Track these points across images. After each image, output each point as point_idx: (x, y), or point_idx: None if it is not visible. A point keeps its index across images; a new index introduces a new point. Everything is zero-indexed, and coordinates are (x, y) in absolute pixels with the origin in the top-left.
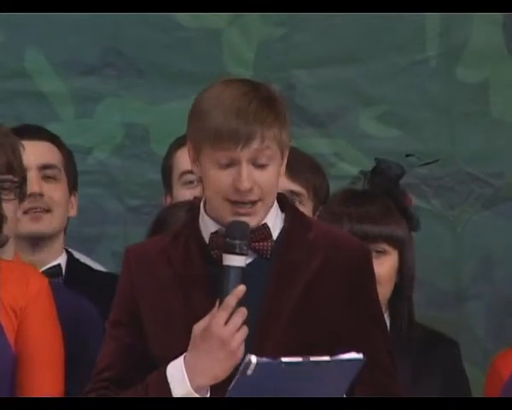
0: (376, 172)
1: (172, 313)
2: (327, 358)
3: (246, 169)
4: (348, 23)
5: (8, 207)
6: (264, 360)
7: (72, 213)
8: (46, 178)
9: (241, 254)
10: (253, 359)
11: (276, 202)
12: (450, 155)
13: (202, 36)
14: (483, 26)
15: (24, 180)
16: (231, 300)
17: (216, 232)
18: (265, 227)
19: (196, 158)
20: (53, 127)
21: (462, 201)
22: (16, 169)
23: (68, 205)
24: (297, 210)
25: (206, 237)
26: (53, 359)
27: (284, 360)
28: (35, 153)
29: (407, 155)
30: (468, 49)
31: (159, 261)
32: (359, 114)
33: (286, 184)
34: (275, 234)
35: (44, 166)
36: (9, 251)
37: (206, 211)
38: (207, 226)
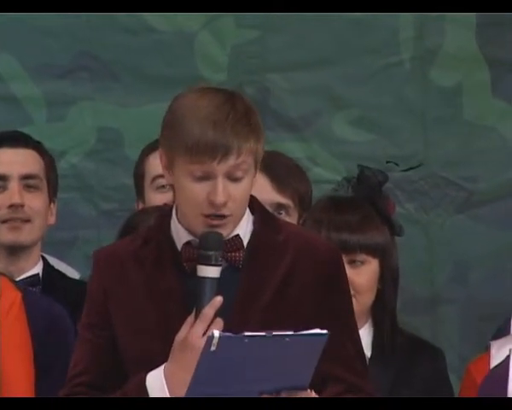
0: (360, 179)
1: (145, 320)
2: (290, 332)
3: (221, 183)
4: (322, 27)
5: None
6: (227, 334)
7: (51, 220)
8: (27, 187)
9: (216, 265)
10: (216, 333)
11: (247, 210)
12: (423, 159)
13: (176, 39)
14: (456, 30)
15: None
16: (209, 311)
17: (188, 243)
18: (238, 238)
19: (169, 166)
20: (26, 131)
21: (435, 205)
22: None
23: (48, 213)
24: (266, 212)
25: (179, 245)
26: (23, 374)
27: (247, 334)
28: (18, 162)
29: (387, 162)
30: (442, 53)
31: (130, 265)
32: (333, 118)
33: (274, 197)
34: (245, 239)
35: (26, 176)
36: None
37: (178, 218)
38: (179, 235)
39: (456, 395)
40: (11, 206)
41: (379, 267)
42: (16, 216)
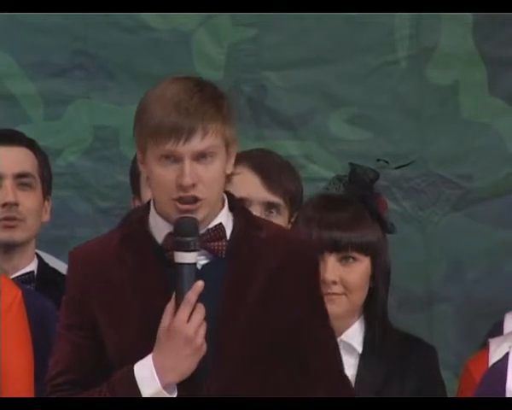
0: (351, 177)
1: (130, 316)
2: None
3: (188, 164)
4: (319, 25)
5: None
6: None
7: (46, 218)
8: (21, 185)
9: (194, 251)
10: None
11: (226, 201)
12: (420, 157)
13: (172, 37)
14: (453, 28)
15: None
16: (192, 296)
17: (170, 234)
18: (221, 227)
19: (143, 157)
20: (23, 129)
21: (432, 202)
22: None
23: (42, 211)
24: (246, 210)
25: (159, 238)
26: (23, 371)
27: None
28: (11, 160)
29: (378, 160)
30: (438, 51)
31: (110, 262)
32: (330, 116)
33: (264, 196)
34: (227, 233)
35: (20, 175)
36: None
37: (157, 212)
38: (159, 227)
39: (450, 393)
40: (5, 204)
41: (370, 265)
42: (10, 215)
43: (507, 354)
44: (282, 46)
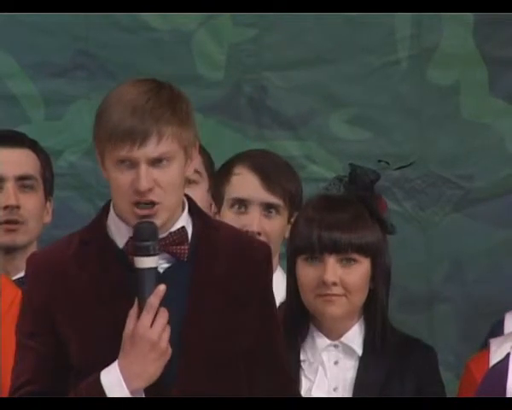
0: (352, 178)
1: (92, 321)
2: None
3: (144, 169)
4: (319, 25)
5: None
6: None
7: (47, 219)
8: (23, 187)
9: (153, 255)
10: None
11: (187, 205)
12: (420, 158)
13: (173, 38)
14: (454, 28)
15: None
16: (154, 301)
17: (131, 238)
18: (183, 230)
19: (102, 161)
20: (23, 130)
21: (432, 203)
22: None
23: (43, 213)
24: (203, 212)
25: (119, 242)
26: None
27: None
28: (13, 162)
29: (379, 161)
30: (439, 51)
31: (71, 268)
32: (330, 116)
33: (264, 196)
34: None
35: (22, 177)
36: None
37: (116, 214)
38: (120, 231)
39: (450, 393)
40: (6, 207)
41: (371, 267)
42: (12, 218)
43: (508, 354)
44: (282, 46)
